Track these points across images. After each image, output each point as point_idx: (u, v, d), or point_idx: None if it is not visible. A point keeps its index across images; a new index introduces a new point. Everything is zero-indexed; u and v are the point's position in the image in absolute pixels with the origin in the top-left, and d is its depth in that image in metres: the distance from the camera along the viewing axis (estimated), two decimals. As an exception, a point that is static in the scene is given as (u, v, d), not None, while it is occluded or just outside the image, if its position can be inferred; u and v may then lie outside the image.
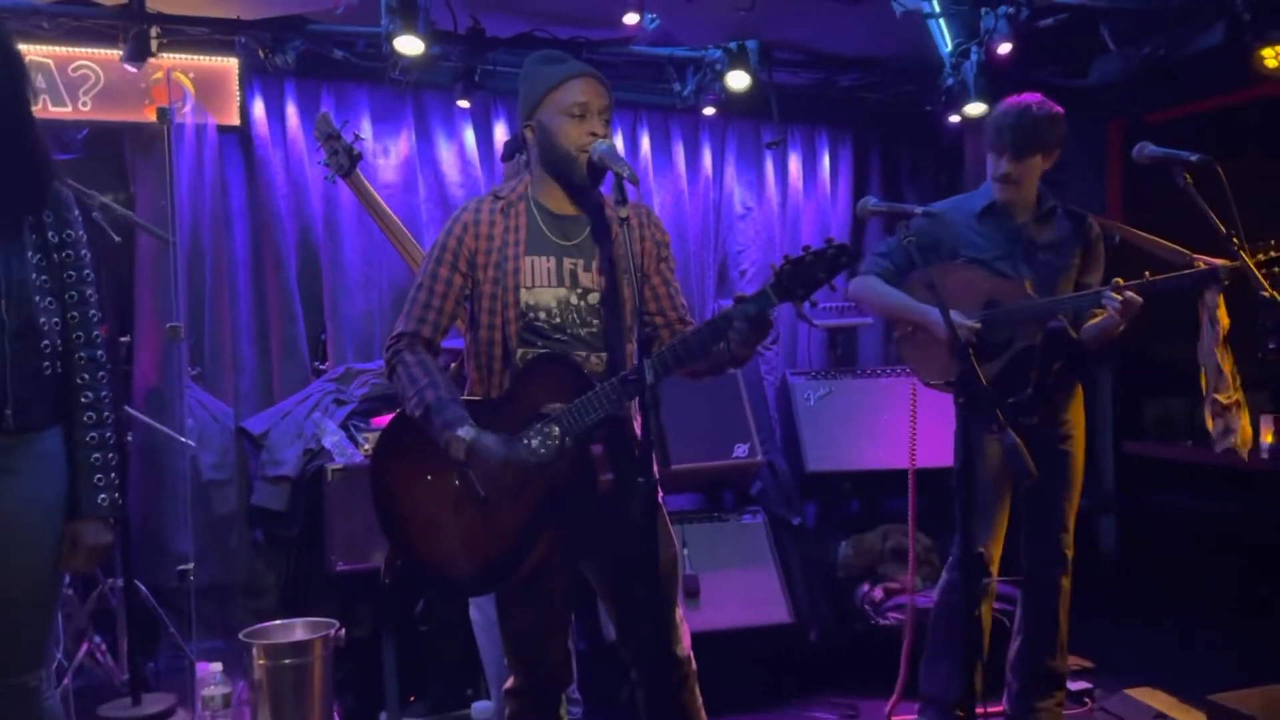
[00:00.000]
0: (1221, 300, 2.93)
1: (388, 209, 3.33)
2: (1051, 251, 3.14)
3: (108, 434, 2.18)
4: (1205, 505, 4.68)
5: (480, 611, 3.16)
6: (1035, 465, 2.34)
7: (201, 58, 4.11)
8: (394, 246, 3.36)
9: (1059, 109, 3.06)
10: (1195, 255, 2.91)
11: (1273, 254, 2.74)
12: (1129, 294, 2.85)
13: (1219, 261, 2.84)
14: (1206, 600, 4.48)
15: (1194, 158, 2.72)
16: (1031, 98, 3.07)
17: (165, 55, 3.92)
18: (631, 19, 3.85)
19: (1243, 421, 2.94)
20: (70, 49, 3.90)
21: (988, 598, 3.21)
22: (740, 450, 4.29)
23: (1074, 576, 3.22)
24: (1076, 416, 3.23)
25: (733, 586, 4.07)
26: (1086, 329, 3.05)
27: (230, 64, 4.15)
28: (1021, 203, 3.14)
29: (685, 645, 2.41)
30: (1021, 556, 3.23)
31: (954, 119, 4.50)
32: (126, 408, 3.69)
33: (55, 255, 2.13)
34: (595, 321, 2.30)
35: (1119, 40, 4.08)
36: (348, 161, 3.24)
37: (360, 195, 3.30)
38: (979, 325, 2.98)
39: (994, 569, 3.17)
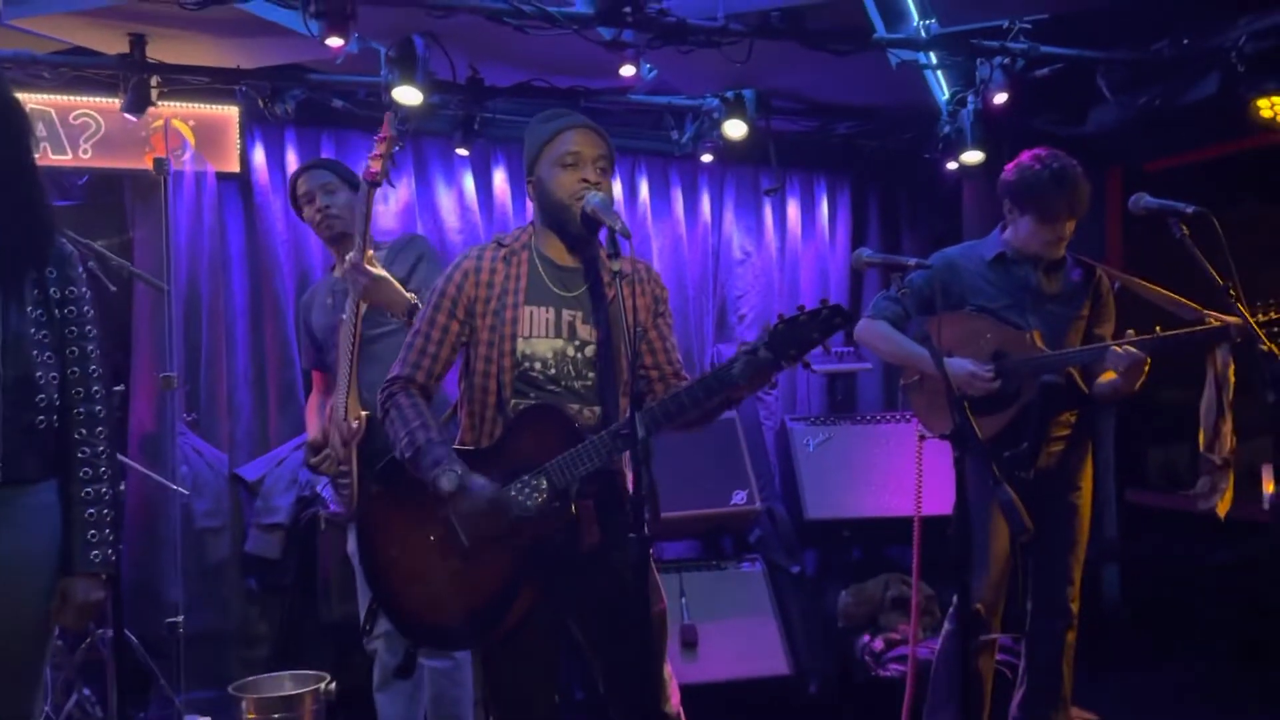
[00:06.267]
0: (1231, 360, 2.90)
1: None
2: (1060, 302, 3.13)
3: (104, 489, 2.17)
4: (1208, 555, 4.63)
5: (384, 690, 3.12)
6: (1042, 516, 2.31)
7: (202, 106, 4.15)
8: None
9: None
10: (1207, 312, 2.87)
11: (1273, 315, 2.71)
12: (1129, 349, 2.83)
13: (1231, 319, 2.78)
14: (1210, 651, 4.42)
15: (1190, 210, 2.71)
16: (1055, 157, 3.01)
17: (165, 104, 3.96)
18: (628, 71, 3.88)
19: (1228, 484, 2.91)
20: (71, 97, 3.94)
21: (989, 649, 3.17)
22: (738, 497, 4.26)
23: (1077, 629, 3.18)
24: (1085, 469, 3.20)
25: (731, 637, 4.02)
26: (1099, 386, 3.03)
27: (230, 112, 4.19)
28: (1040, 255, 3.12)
29: (675, 702, 2.37)
30: (1025, 608, 3.19)
31: (951, 166, 4.52)
32: (120, 456, 3.67)
33: (57, 311, 2.14)
34: (590, 374, 2.30)
35: (1115, 90, 4.10)
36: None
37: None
38: (994, 375, 2.96)
39: (996, 619, 3.13)
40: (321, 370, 3.23)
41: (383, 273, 2.83)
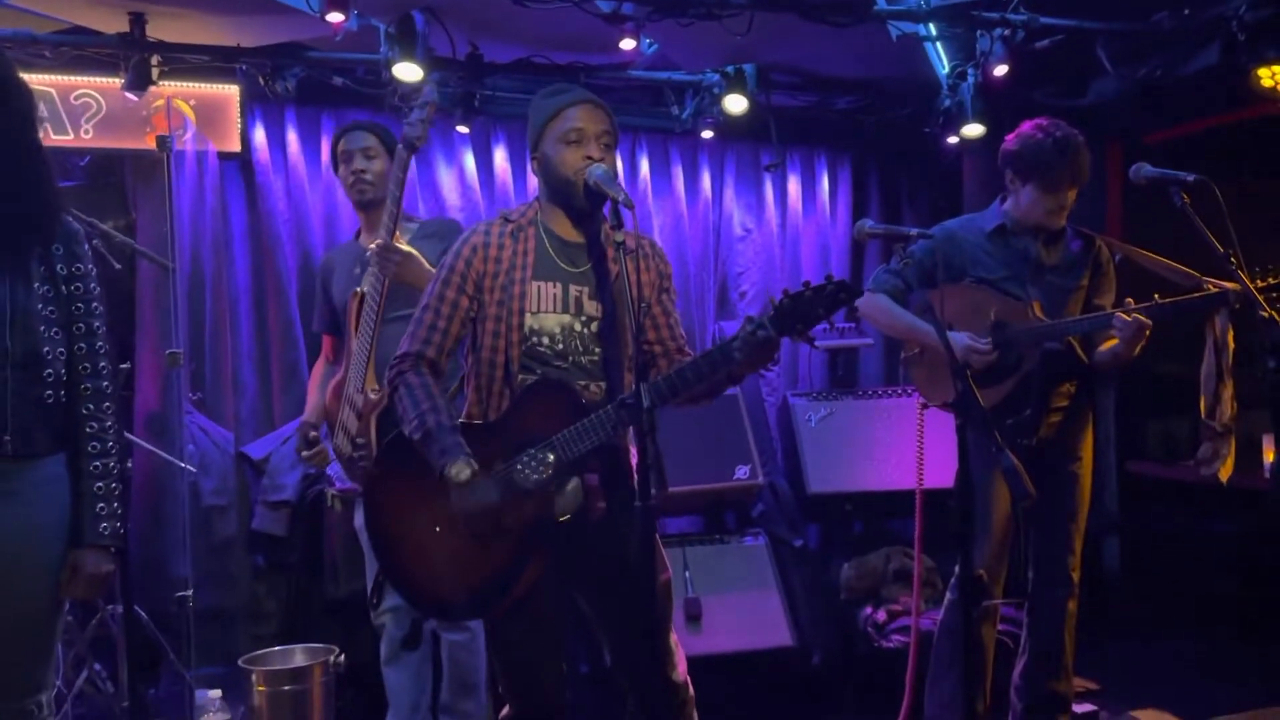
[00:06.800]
0: (1230, 326, 2.91)
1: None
2: (1060, 273, 3.14)
3: (112, 463, 2.20)
4: (1209, 525, 4.66)
5: (392, 663, 3.16)
6: (1043, 486, 2.33)
7: (202, 85, 4.14)
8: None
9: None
10: (1206, 278, 2.87)
11: (1272, 281, 2.72)
12: (1136, 316, 2.85)
13: (1230, 285, 2.79)
14: (1211, 621, 4.45)
15: (1190, 178, 2.71)
16: (1057, 125, 3.02)
17: (166, 83, 3.94)
18: (628, 44, 3.87)
19: (1230, 449, 2.93)
20: (72, 77, 3.94)
21: (990, 618, 3.20)
22: (741, 472, 4.28)
23: (1078, 598, 3.20)
24: (1086, 439, 3.22)
25: (735, 609, 4.05)
26: (1099, 354, 3.04)
27: (231, 91, 4.18)
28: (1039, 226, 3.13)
29: (681, 670, 2.40)
30: (1026, 577, 3.22)
31: (952, 140, 4.52)
32: (126, 434, 3.69)
33: (64, 287, 2.17)
34: (596, 349, 2.31)
35: (1115, 61, 4.10)
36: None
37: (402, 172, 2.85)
38: (992, 350, 2.98)
39: (998, 589, 3.15)
40: (337, 335, 3.22)
41: (411, 250, 2.83)
